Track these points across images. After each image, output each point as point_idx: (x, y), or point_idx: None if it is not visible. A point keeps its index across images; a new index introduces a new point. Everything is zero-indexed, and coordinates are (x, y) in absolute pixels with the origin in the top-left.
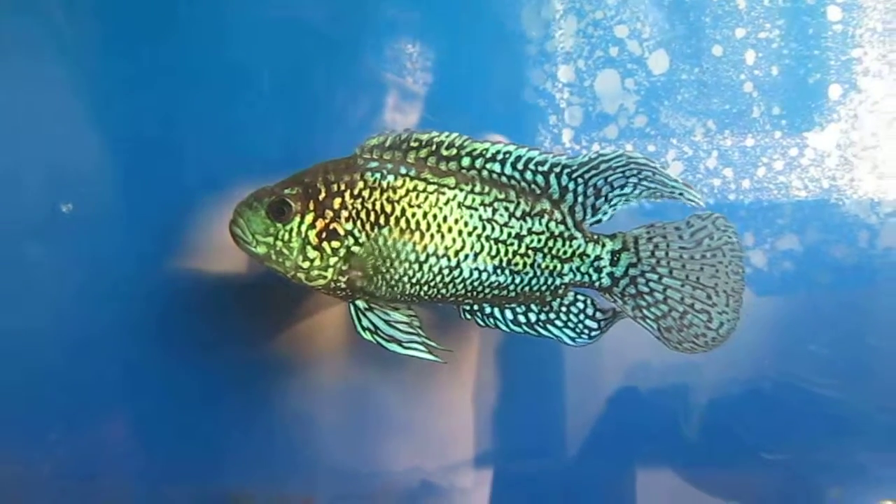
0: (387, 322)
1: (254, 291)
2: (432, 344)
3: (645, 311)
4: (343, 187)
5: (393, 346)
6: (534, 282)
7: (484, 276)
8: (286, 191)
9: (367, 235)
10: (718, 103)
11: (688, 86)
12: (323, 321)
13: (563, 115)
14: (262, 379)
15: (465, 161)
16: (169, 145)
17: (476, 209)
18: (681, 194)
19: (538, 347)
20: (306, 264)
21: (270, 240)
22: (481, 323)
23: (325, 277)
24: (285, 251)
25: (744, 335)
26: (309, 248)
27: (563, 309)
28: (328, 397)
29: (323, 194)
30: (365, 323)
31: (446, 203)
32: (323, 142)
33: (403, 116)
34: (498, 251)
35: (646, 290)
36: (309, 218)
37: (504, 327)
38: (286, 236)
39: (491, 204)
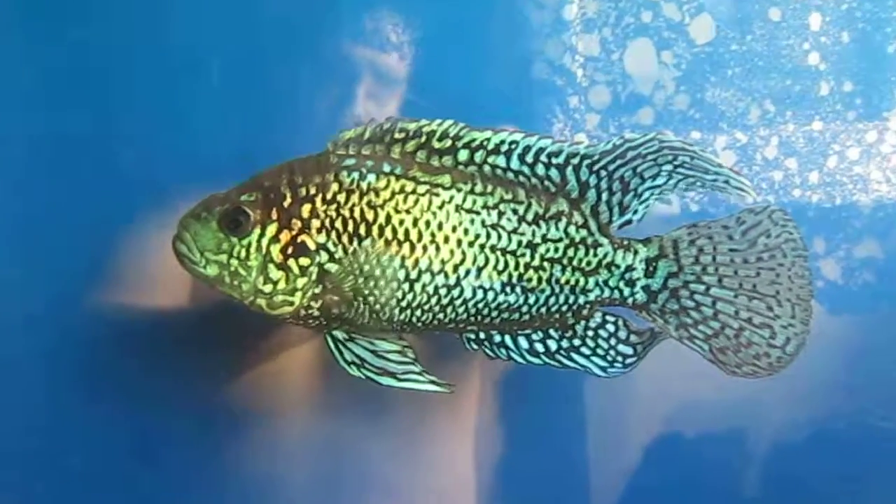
0: (374, 353)
1: (203, 324)
2: (432, 378)
3: (692, 331)
4: (313, 191)
5: (387, 380)
6: (552, 301)
7: (490, 295)
8: (243, 197)
9: (345, 249)
10: (777, 79)
11: (739, 58)
12: (289, 362)
13: (585, 96)
14: (213, 432)
15: (463, 154)
16: (100, 145)
17: (478, 213)
18: (726, 182)
19: (553, 383)
20: (268, 287)
21: (223, 258)
22: (490, 354)
23: (291, 304)
24: (242, 272)
25: (814, 363)
26: (271, 266)
27: (590, 333)
28: (295, 454)
29: (288, 200)
30: (348, 356)
31: (441, 207)
32: (286, 138)
33: (379, 107)
34: (506, 264)
35: (691, 304)
36: (271, 229)
37: (519, 359)
38: (243, 253)
39: (496, 206)
